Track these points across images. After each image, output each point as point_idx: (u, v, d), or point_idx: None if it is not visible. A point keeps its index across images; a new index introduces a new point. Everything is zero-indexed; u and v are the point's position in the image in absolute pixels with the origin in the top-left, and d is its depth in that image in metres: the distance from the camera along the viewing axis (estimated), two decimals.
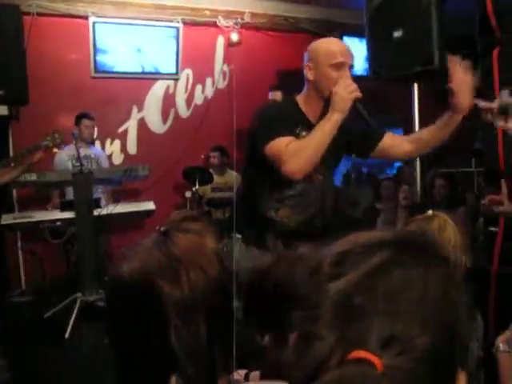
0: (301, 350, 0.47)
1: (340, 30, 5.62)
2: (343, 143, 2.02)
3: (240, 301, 1.08)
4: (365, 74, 5.80)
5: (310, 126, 1.95)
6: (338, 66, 1.87)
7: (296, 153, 1.79)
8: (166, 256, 0.81)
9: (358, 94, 1.82)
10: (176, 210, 5.26)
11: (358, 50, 5.78)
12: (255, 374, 1.14)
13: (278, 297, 1.03)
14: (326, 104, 1.90)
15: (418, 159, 2.88)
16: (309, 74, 1.93)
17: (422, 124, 2.94)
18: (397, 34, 2.68)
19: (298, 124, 1.95)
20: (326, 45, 1.93)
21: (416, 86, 2.84)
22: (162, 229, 0.84)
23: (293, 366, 0.47)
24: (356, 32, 5.53)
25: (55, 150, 4.05)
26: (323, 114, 1.91)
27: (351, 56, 1.92)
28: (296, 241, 1.93)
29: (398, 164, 7.92)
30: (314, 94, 1.96)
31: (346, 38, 5.64)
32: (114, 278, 0.81)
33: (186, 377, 0.78)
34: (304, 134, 1.94)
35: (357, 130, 2.02)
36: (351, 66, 1.91)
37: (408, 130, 6.33)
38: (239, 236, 2.02)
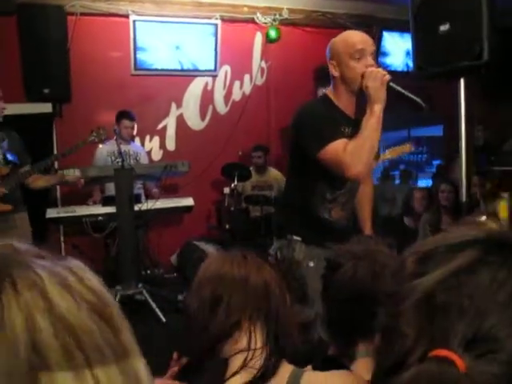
0: (383, 346, 0.48)
1: (379, 25, 5.53)
2: None
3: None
4: (405, 69, 5.73)
5: (350, 122, 1.96)
6: (360, 55, 1.86)
7: (355, 156, 1.79)
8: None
9: (388, 77, 1.81)
10: (214, 206, 5.31)
11: (398, 45, 5.72)
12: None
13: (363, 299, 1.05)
14: (358, 96, 1.92)
15: (463, 158, 2.79)
16: (334, 71, 1.94)
17: (467, 121, 2.85)
18: (443, 27, 2.59)
19: (341, 122, 1.95)
20: (344, 37, 1.94)
21: (462, 81, 2.74)
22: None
23: (375, 362, 0.48)
24: (396, 27, 5.43)
25: (100, 145, 4.16)
26: (358, 106, 1.94)
27: (370, 43, 1.93)
28: (349, 236, 1.95)
29: (437, 162, 7.76)
30: (343, 88, 1.95)
31: (385, 33, 5.56)
32: None
33: None
34: (347, 130, 1.94)
35: None
36: (373, 53, 1.91)
37: (449, 127, 6.19)
38: (298, 238, 2.01)
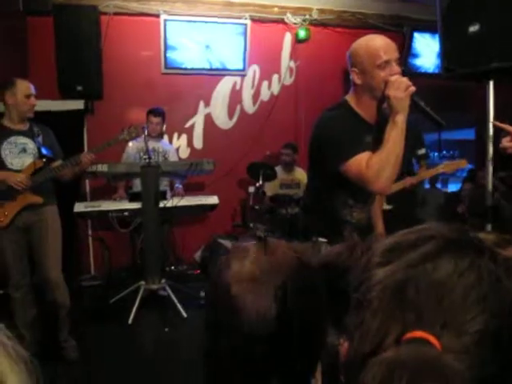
0: (357, 332, 0.49)
1: (410, 25, 5.46)
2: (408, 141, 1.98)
3: None
4: (436, 70, 5.62)
5: (370, 129, 1.94)
6: (385, 64, 1.82)
7: (380, 171, 1.77)
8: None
9: (413, 89, 1.77)
10: (239, 204, 5.34)
11: (429, 46, 5.62)
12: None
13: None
14: (379, 101, 1.89)
15: (490, 161, 2.73)
16: (356, 79, 1.89)
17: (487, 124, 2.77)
18: (473, 28, 2.54)
19: (363, 132, 1.92)
20: (366, 46, 1.86)
21: (491, 83, 2.69)
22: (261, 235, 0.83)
23: (350, 348, 0.49)
24: (427, 28, 5.35)
25: (130, 143, 4.26)
26: (378, 111, 1.91)
27: (394, 49, 1.86)
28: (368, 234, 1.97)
29: (470, 166, 7.58)
30: (365, 95, 1.91)
31: (416, 34, 5.48)
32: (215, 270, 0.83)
33: None
34: (368, 139, 1.92)
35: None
36: (397, 59, 1.85)
37: (482, 130, 6.05)
38: (323, 240, 2.02)
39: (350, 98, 1.98)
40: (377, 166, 1.77)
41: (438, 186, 7.54)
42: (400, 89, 1.76)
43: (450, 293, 0.47)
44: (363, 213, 2.11)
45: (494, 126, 2.18)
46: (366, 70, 1.85)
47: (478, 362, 0.44)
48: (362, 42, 1.89)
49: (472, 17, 2.57)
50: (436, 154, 9.37)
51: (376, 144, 1.84)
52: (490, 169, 2.74)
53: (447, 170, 3.67)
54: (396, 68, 1.83)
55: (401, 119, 1.77)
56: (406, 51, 5.45)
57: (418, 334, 0.45)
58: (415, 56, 5.56)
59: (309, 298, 0.78)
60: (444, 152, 9.81)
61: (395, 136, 1.77)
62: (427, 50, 5.59)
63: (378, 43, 1.85)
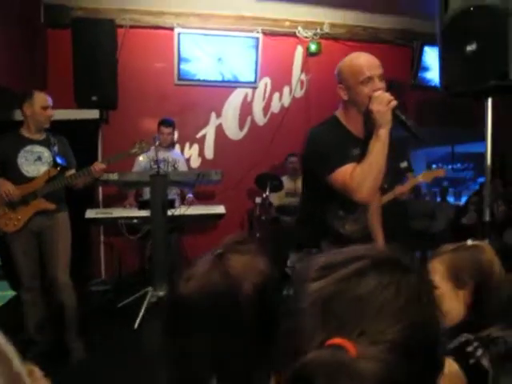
0: (288, 337, 0.56)
1: (421, 39, 5.50)
2: (393, 153, 2.05)
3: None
4: None
5: (358, 142, 2.02)
6: (368, 80, 1.90)
7: (362, 181, 1.85)
8: (223, 276, 0.87)
9: (394, 103, 1.84)
10: (247, 214, 5.42)
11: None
12: None
13: None
14: (364, 116, 1.97)
15: (488, 178, 2.78)
16: (343, 95, 1.99)
17: (499, 139, 2.81)
18: (470, 47, 2.60)
19: (350, 145, 2.01)
20: (350, 63, 1.96)
21: (490, 101, 2.74)
22: (217, 252, 0.92)
23: (281, 355, 0.57)
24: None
25: (141, 158, 4.39)
26: (366, 125, 2.00)
27: (377, 66, 1.94)
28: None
29: (481, 180, 7.55)
30: (352, 110, 2.01)
31: (427, 48, 5.52)
32: (175, 296, 0.90)
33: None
34: (356, 152, 2.00)
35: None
36: (380, 75, 1.93)
37: (495, 143, 6.04)
38: (315, 250, 2.09)
39: (339, 114, 2.07)
40: (359, 176, 1.86)
41: (451, 199, 7.54)
42: (382, 103, 1.84)
43: (370, 305, 0.53)
44: (356, 225, 2.15)
45: None
46: (350, 86, 1.94)
47: (388, 369, 0.50)
48: (347, 60, 1.99)
49: (470, 36, 2.63)
50: (450, 166, 9.38)
51: (363, 156, 1.92)
52: (489, 185, 2.78)
53: (425, 178, 3.86)
54: (379, 84, 1.91)
55: (384, 132, 1.85)
56: (416, 65, 5.49)
57: (337, 340, 0.51)
58: (426, 69, 5.59)
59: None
60: (459, 165, 9.80)
61: (378, 148, 1.85)
62: (437, 64, 5.62)
63: (362, 61, 1.95)
